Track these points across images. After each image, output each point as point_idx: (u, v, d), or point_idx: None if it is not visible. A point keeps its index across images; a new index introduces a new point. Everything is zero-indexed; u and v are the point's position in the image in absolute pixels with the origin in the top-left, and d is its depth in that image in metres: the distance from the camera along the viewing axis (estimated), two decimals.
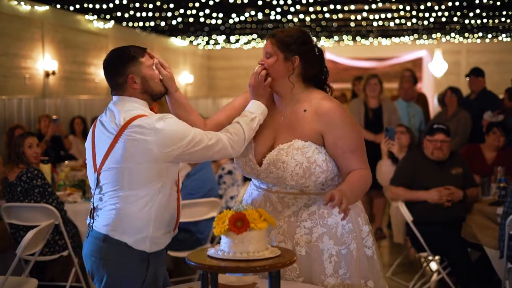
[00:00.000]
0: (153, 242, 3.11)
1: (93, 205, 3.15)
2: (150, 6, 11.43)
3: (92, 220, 3.15)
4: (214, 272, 2.78)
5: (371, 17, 13.45)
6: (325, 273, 3.14)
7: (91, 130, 3.24)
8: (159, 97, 3.26)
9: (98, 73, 13.09)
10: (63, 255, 5.63)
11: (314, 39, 3.31)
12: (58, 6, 11.34)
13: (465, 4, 11.78)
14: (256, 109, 3.23)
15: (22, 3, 10.41)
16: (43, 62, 11.09)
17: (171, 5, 11.45)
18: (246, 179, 7.01)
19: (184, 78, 17.75)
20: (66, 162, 7.87)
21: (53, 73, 11.27)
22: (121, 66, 3.13)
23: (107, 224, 3.07)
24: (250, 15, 12.79)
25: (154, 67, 3.19)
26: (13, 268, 4.41)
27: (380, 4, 12.04)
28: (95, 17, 12.65)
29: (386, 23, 14.44)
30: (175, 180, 3.18)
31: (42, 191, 5.52)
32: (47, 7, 11.13)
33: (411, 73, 9.29)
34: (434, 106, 15.14)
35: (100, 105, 13.02)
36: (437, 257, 6.27)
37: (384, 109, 8.12)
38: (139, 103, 3.15)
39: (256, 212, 2.84)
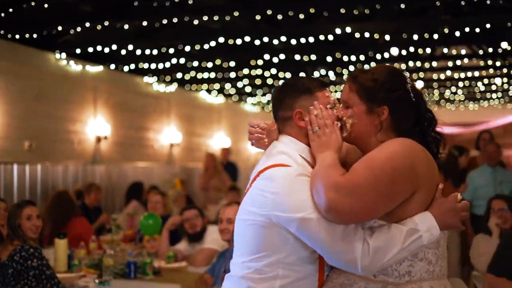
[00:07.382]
0: None
1: None
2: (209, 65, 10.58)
3: None
4: None
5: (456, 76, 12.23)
6: None
7: None
8: None
9: (158, 138, 12.26)
10: None
11: (408, 77, 2.45)
12: (112, 66, 10.60)
13: None
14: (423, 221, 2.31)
15: (71, 62, 9.70)
16: (95, 126, 10.29)
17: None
18: None
19: None
20: (102, 237, 6.86)
21: (105, 138, 10.45)
22: (291, 98, 2.52)
23: None
24: None
25: (329, 107, 2.50)
26: None
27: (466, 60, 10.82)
28: (155, 78, 11.87)
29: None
30: None
31: (38, 274, 4.47)
32: (100, 68, 10.40)
33: (490, 134, 8.34)
34: None
35: (160, 173, 12.11)
36: None
37: None
38: (298, 146, 2.49)
39: None
